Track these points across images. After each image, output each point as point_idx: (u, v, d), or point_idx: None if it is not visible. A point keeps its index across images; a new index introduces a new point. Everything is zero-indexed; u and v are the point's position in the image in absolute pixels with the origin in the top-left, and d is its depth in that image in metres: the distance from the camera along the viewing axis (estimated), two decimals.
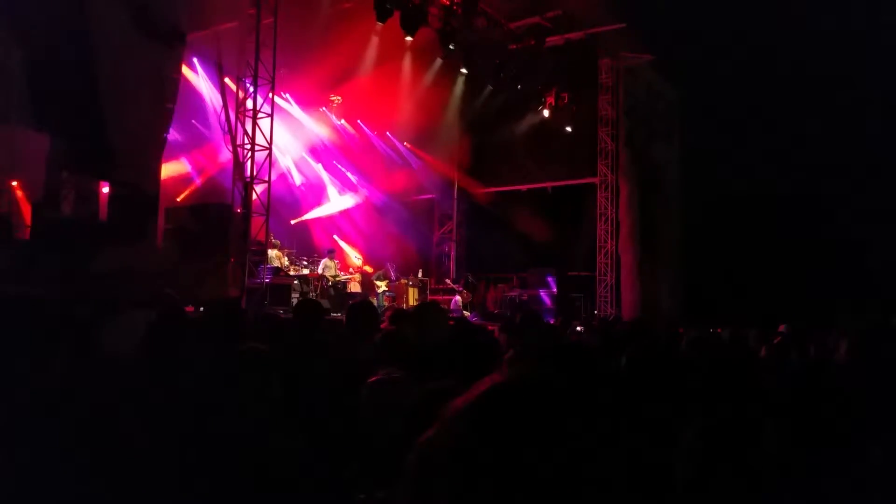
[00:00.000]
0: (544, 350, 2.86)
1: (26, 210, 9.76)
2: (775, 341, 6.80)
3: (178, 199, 13.57)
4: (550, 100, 15.50)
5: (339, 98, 16.33)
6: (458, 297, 15.41)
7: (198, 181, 14.13)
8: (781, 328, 7.84)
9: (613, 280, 15.48)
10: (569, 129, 15.96)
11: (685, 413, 2.29)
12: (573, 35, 14.70)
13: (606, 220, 15.74)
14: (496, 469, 0.93)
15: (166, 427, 2.27)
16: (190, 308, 8.07)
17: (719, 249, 13.63)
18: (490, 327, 7.49)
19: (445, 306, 15.09)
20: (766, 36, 12.44)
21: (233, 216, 10.52)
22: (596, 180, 15.93)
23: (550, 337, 5.61)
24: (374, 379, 2.36)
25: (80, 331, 2.91)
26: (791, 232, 13.07)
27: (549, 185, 16.39)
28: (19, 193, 10.40)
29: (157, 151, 10.29)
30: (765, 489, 1.97)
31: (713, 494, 1.95)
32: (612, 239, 15.60)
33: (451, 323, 5.14)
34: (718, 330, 8.61)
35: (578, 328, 8.24)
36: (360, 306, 4.24)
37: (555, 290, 15.43)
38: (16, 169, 10.01)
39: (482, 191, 17.72)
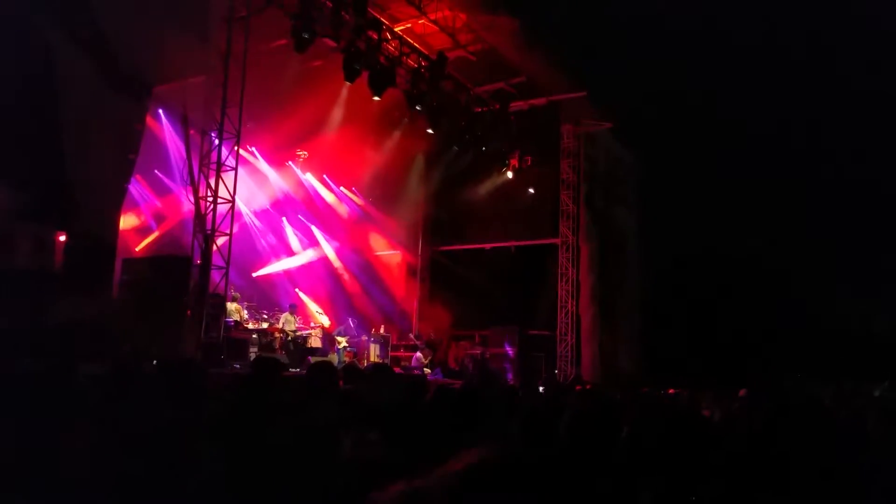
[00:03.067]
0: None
1: None
2: (734, 406, 6.89)
3: (137, 250, 13.34)
4: (514, 162, 15.90)
5: (306, 153, 16.45)
6: (419, 354, 15.29)
7: (157, 232, 13.94)
8: (742, 393, 7.96)
9: (574, 340, 15.60)
10: (531, 190, 16.33)
11: (628, 482, 2.31)
12: (536, 101, 15.23)
13: (567, 280, 15.96)
14: None
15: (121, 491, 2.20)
16: (143, 362, 7.84)
17: (677, 310, 13.92)
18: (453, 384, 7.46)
19: (406, 363, 14.96)
20: (724, 99, 13.05)
21: (191, 269, 10.36)
22: (558, 241, 16.22)
23: (508, 402, 5.62)
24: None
25: (32, 388, 2.82)
26: (747, 294, 13.44)
27: (512, 244, 16.63)
28: None
29: (117, 201, 10.16)
30: None
31: None
32: (572, 299, 15.79)
33: (406, 381, 5.12)
34: (671, 391, 8.73)
35: (540, 389, 8.24)
36: (319, 366, 4.20)
37: (516, 348, 15.45)
38: None
39: (446, 248, 17.87)
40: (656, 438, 3.15)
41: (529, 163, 15.95)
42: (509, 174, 16.06)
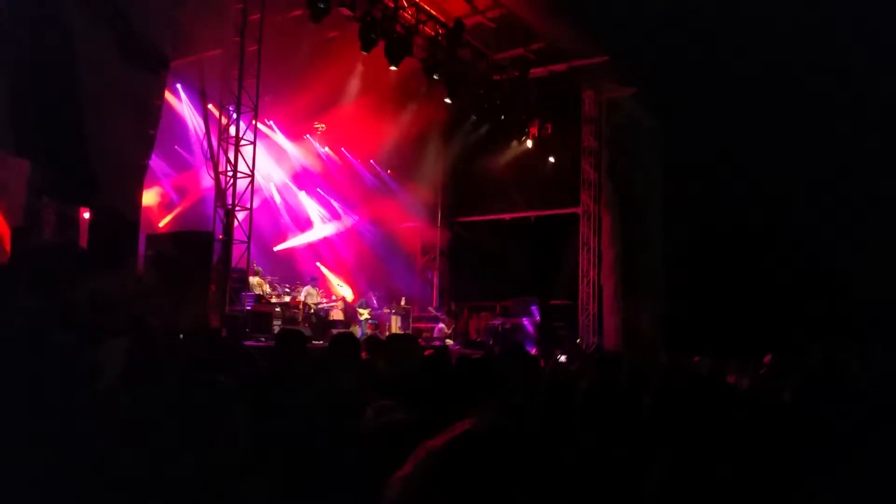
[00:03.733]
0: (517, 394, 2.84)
1: (6, 235, 9.62)
2: (761, 372, 6.80)
3: (160, 226, 13.48)
4: (534, 130, 15.69)
5: (324, 126, 16.41)
6: (441, 325, 15.37)
7: (179, 207, 14.06)
8: (767, 359, 7.87)
9: (595, 309, 15.54)
10: (552, 159, 16.15)
11: (646, 454, 2.27)
12: (557, 67, 14.96)
13: (589, 249, 15.85)
14: None
15: (141, 462, 2.23)
16: (170, 336, 7.96)
17: (701, 279, 13.75)
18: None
19: (428, 334, 15.04)
20: (748, 67, 12.72)
21: (213, 244, 10.45)
22: (579, 210, 16.08)
23: (531, 371, 5.61)
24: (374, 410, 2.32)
25: (62, 360, 2.86)
26: (772, 262, 13.23)
27: (532, 214, 16.52)
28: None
29: (138, 178, 10.23)
30: None
31: None
32: (594, 268, 15.69)
33: (429, 352, 5.13)
34: (696, 358, 8.66)
35: (561, 358, 8.24)
36: (341, 338, 4.22)
37: (537, 318, 15.44)
38: None
39: (466, 219, 17.81)
40: (678, 407, 3.12)
41: (550, 131, 15.74)
42: (529, 143, 15.87)
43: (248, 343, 9.50)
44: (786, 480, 1.95)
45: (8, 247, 9.18)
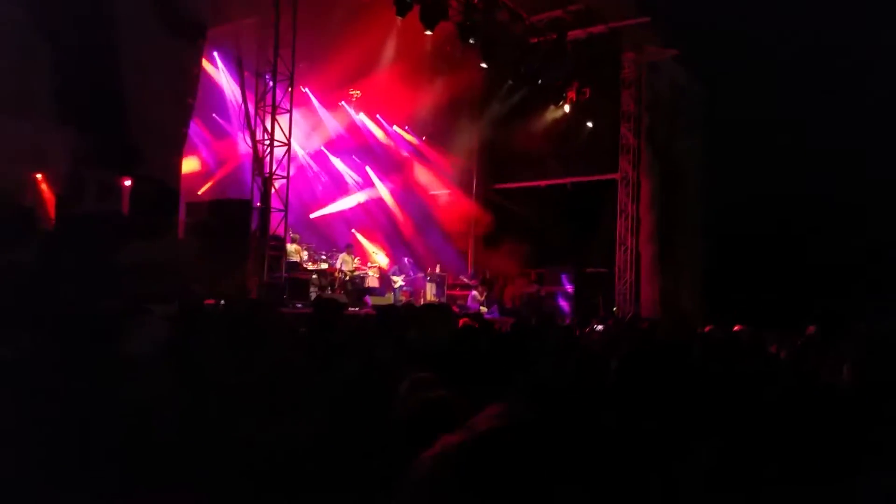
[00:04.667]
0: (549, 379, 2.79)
1: (50, 203, 9.87)
2: (799, 343, 6.64)
3: (199, 193, 13.66)
4: (572, 95, 15.35)
5: (359, 92, 16.33)
6: (475, 293, 15.38)
7: (217, 175, 14.22)
8: (811, 330, 7.68)
9: (633, 277, 15.36)
10: (590, 124, 15.83)
11: (689, 429, 2.21)
12: (595, 29, 14.55)
13: (627, 216, 15.61)
14: None
15: (191, 427, 2.27)
16: (210, 301, 8.13)
17: (741, 247, 13.45)
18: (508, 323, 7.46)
19: (462, 302, 15.07)
20: (794, 31, 12.21)
21: (251, 211, 10.57)
22: (617, 176, 15.80)
23: (564, 339, 5.57)
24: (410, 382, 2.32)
25: (107, 327, 2.92)
26: (816, 232, 12.84)
27: (568, 181, 16.29)
28: (43, 187, 10.52)
29: (178, 146, 10.34)
30: None
31: None
32: (632, 236, 15.47)
33: (463, 321, 5.12)
34: (736, 328, 8.50)
35: (598, 327, 8.17)
36: (386, 310, 4.23)
37: (572, 286, 15.34)
38: (40, 162, 10.12)
39: (501, 187, 17.66)
40: (716, 378, 3.05)
41: (588, 95, 15.38)
42: (566, 108, 15.56)
43: (285, 310, 9.65)
44: (842, 461, 1.88)
45: (53, 214, 9.42)
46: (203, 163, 14.13)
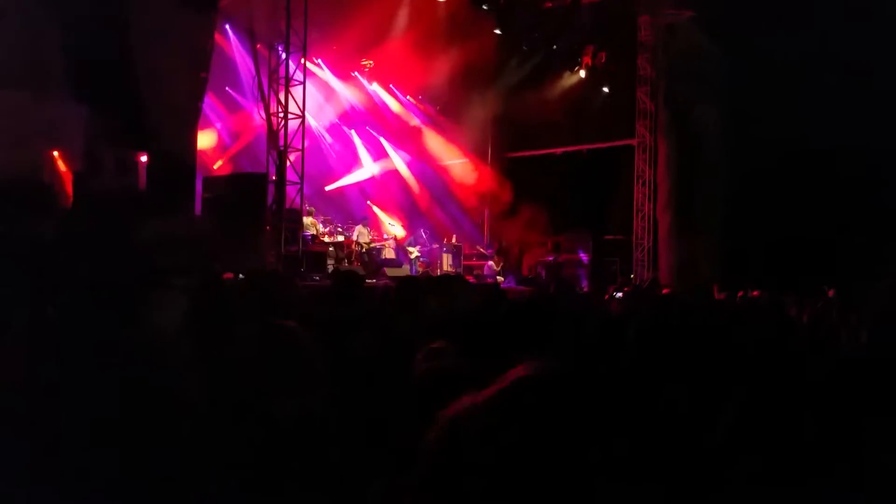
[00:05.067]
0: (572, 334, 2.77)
1: (68, 180, 9.95)
2: (819, 306, 6.59)
3: (214, 168, 13.70)
4: (587, 60, 15.10)
5: (371, 62, 16.17)
6: (491, 263, 15.37)
7: (232, 149, 14.23)
8: (831, 293, 7.61)
9: (650, 244, 15.25)
10: (606, 89, 15.58)
11: (708, 390, 2.20)
12: None
13: (644, 182, 15.44)
14: (516, 462, 0.96)
15: (213, 402, 2.29)
16: (229, 275, 8.19)
17: (762, 212, 13.25)
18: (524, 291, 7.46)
19: (479, 272, 15.08)
20: None
21: (267, 185, 10.59)
22: (634, 142, 15.59)
23: (583, 307, 5.55)
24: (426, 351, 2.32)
25: (129, 301, 2.95)
26: (839, 196, 12.60)
27: (585, 147, 16.10)
28: (60, 164, 10.60)
29: (192, 120, 10.35)
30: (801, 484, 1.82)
31: (739, 485, 1.83)
32: (649, 202, 15.32)
33: (482, 291, 5.12)
34: (754, 293, 8.43)
35: (617, 294, 8.14)
36: (406, 281, 4.22)
37: (590, 254, 15.27)
38: (56, 140, 10.19)
39: (517, 155, 17.50)
40: (738, 341, 3.02)
41: (604, 60, 15.11)
42: (582, 73, 15.32)
43: (302, 283, 9.71)
44: (865, 425, 1.86)
45: (70, 191, 9.50)
46: (218, 137, 14.14)
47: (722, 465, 1.83)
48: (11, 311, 2.35)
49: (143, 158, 9.82)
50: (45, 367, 2.09)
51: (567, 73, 15.61)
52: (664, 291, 8.06)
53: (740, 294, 8.89)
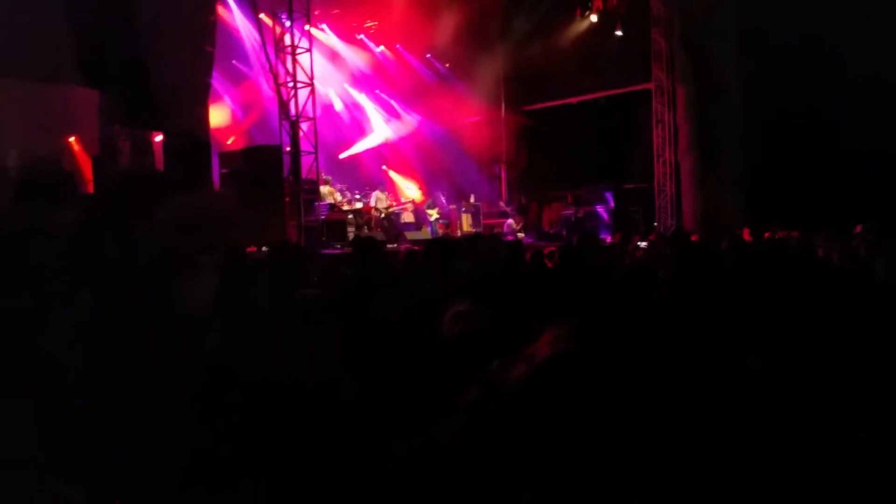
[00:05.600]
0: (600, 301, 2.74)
1: (86, 165, 10.03)
2: (852, 244, 6.44)
3: (228, 143, 13.70)
4: (598, 3, 14.68)
5: (376, 22, 15.90)
6: (509, 221, 15.28)
7: (244, 123, 14.20)
8: (858, 229, 7.45)
9: (673, 190, 15.03)
10: (619, 33, 15.16)
11: (743, 326, 2.16)
12: None
13: (663, 126, 15.14)
14: (553, 437, 1.00)
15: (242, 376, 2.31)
16: (252, 248, 8.26)
17: (785, 152, 12.96)
18: (547, 248, 7.40)
19: (499, 230, 15.02)
20: None
21: (282, 156, 10.57)
22: (651, 86, 15.23)
23: (608, 260, 5.50)
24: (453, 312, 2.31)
25: (160, 283, 2.98)
26: (862, 134, 12.24)
27: (601, 95, 15.77)
28: (77, 149, 10.68)
29: (202, 97, 10.33)
30: (833, 417, 1.79)
31: (772, 418, 1.81)
32: (669, 147, 15.04)
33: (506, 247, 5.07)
34: (780, 234, 8.28)
35: (641, 244, 8.06)
36: (435, 243, 4.19)
37: (611, 204, 15.10)
38: (72, 126, 10.24)
39: (531, 108, 17.21)
40: (767, 287, 2.96)
41: (615, 1, 14.68)
42: (593, 17, 14.91)
43: (324, 251, 9.76)
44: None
45: (89, 176, 9.58)
46: (229, 111, 14.10)
47: (752, 413, 1.81)
48: (50, 298, 2.38)
49: (158, 138, 9.84)
50: (89, 352, 2.12)
51: (578, 18, 15.20)
52: (692, 238, 7.95)
53: (767, 235, 8.76)
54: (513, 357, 1.15)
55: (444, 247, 3.93)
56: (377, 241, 4.81)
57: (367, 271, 4.00)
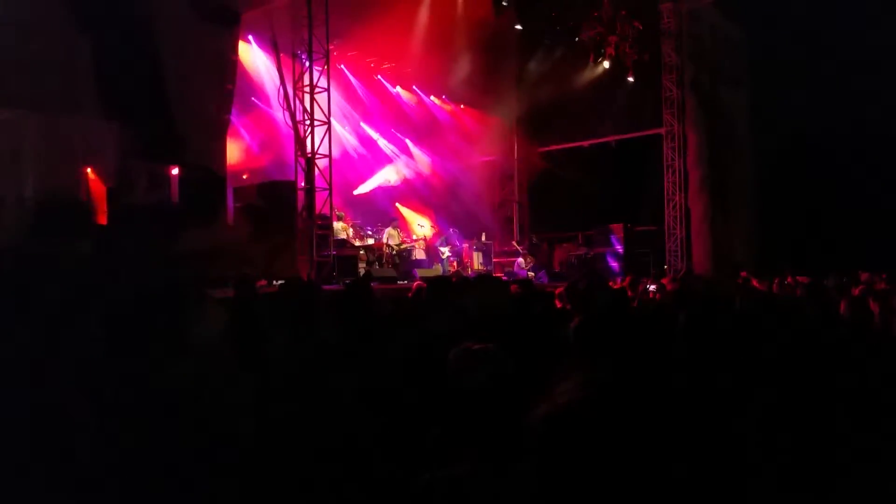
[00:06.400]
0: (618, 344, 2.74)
1: (101, 196, 10.16)
2: (855, 293, 6.39)
3: (244, 177, 13.88)
4: (610, 50, 14.93)
5: (392, 64, 16.23)
6: (520, 259, 15.30)
7: (260, 159, 14.40)
8: (864, 277, 7.41)
9: (683, 233, 15.04)
10: (631, 79, 15.40)
11: (753, 382, 2.15)
12: None
13: (674, 171, 15.23)
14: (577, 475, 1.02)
15: (255, 412, 2.32)
16: (263, 282, 8.30)
17: (794, 197, 12.99)
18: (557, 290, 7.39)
19: (509, 268, 15.03)
20: None
21: (297, 192, 10.70)
22: (662, 131, 15.38)
23: (618, 304, 5.47)
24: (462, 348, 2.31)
25: (169, 316, 2.99)
26: (871, 181, 12.27)
27: (612, 139, 15.94)
28: (93, 179, 10.84)
29: (221, 132, 10.51)
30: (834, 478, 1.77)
31: (775, 475, 1.79)
32: (680, 191, 15.11)
33: (514, 288, 5.08)
34: (789, 279, 8.23)
35: (651, 286, 8.03)
36: (437, 281, 4.23)
37: (621, 246, 15.10)
38: (89, 157, 10.41)
39: (543, 149, 17.40)
40: (769, 346, 2.95)
41: (627, 49, 14.95)
42: (606, 64, 15.16)
43: (329, 287, 9.78)
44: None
45: (105, 208, 9.70)
46: (245, 147, 14.33)
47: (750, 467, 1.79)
48: (61, 329, 2.41)
49: (175, 171, 9.99)
50: (99, 383, 2.14)
51: (591, 65, 15.47)
52: (699, 284, 7.91)
53: (777, 280, 8.71)
54: (539, 401, 1.17)
55: (447, 284, 3.96)
56: (368, 278, 4.84)
57: (364, 309, 4.02)
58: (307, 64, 10.81)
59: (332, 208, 11.27)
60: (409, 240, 14.59)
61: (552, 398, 1.09)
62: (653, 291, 7.43)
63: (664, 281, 8.54)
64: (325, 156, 10.96)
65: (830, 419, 1.96)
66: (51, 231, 7.41)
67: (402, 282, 11.58)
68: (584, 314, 3.53)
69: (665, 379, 2.12)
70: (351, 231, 13.34)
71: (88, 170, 10.73)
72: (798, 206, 12.99)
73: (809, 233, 12.52)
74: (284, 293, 4.44)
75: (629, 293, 7.21)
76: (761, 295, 6.23)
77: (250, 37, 13.50)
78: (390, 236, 13.79)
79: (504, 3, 12.76)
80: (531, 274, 14.56)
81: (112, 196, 9.44)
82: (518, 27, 13.66)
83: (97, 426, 2.06)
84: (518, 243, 16.52)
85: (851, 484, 1.67)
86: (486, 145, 17.70)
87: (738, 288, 6.54)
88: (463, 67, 15.52)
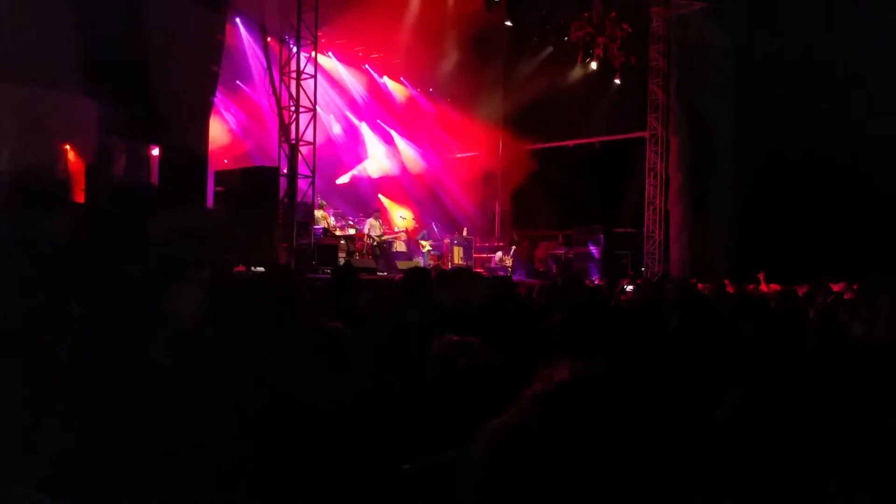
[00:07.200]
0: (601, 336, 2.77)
1: (80, 173, 10.00)
2: (829, 300, 6.52)
3: (225, 161, 13.75)
4: (598, 51, 15.03)
5: (381, 54, 16.16)
6: (499, 254, 15.37)
7: (243, 143, 14.27)
8: (838, 288, 7.56)
9: (662, 237, 15.20)
10: (617, 81, 15.50)
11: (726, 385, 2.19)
12: None
13: (656, 175, 15.37)
14: (563, 465, 1.01)
15: (230, 394, 2.32)
16: (241, 268, 8.24)
17: (774, 204, 13.17)
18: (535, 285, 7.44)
19: (488, 265, 15.08)
20: None
21: (279, 178, 10.62)
22: (646, 134, 15.51)
23: (594, 301, 5.54)
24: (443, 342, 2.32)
25: (143, 296, 2.97)
26: (851, 188, 12.49)
27: (596, 140, 16.04)
28: (72, 157, 10.66)
29: (204, 114, 10.38)
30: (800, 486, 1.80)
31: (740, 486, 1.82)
32: (661, 194, 15.26)
33: (491, 284, 5.12)
34: (763, 287, 8.37)
35: (628, 287, 8.12)
36: (413, 272, 4.24)
37: (601, 247, 15.24)
38: (68, 133, 10.24)
39: (527, 147, 17.45)
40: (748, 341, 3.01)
41: (615, 51, 15.05)
42: (593, 65, 15.24)
43: (312, 276, 9.75)
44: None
45: (83, 185, 9.55)
46: (228, 130, 14.18)
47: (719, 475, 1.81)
48: (37, 308, 2.38)
49: (155, 152, 9.87)
50: (74, 363, 2.12)
51: (578, 65, 15.54)
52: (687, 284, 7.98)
53: (750, 287, 8.86)
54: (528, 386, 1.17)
55: (422, 276, 3.98)
56: (354, 267, 4.85)
57: (347, 298, 4.03)
58: (294, 49, 10.73)
59: (313, 196, 11.21)
60: (390, 231, 14.57)
61: (545, 379, 1.10)
62: (630, 292, 7.51)
63: (639, 282, 8.64)
64: (309, 143, 10.89)
65: (801, 426, 2.00)
66: (26, 207, 7.27)
67: (381, 273, 11.57)
68: (561, 311, 3.57)
69: (655, 373, 2.16)
70: (332, 220, 13.28)
71: (67, 146, 10.55)
72: (776, 216, 13.17)
73: (787, 240, 12.71)
74: (268, 278, 4.44)
75: (605, 292, 7.28)
76: (735, 300, 6.33)
77: (238, 19, 13.34)
78: (372, 227, 13.75)
79: (495, 0, 12.76)
80: (509, 269, 14.62)
81: (90, 174, 9.29)
82: (508, 23, 13.66)
83: (71, 407, 2.04)
84: (499, 239, 16.59)
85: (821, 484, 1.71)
86: (470, 140, 17.72)
87: (713, 292, 6.63)
88: (451, 61, 15.51)
